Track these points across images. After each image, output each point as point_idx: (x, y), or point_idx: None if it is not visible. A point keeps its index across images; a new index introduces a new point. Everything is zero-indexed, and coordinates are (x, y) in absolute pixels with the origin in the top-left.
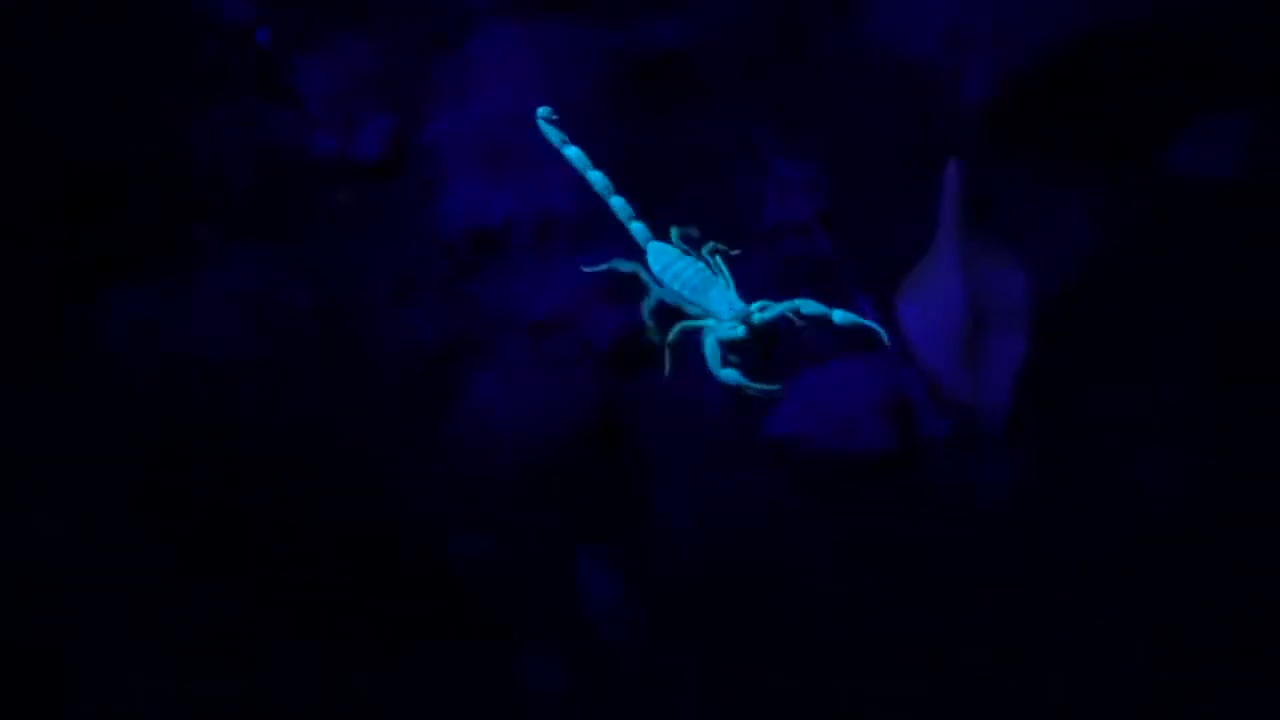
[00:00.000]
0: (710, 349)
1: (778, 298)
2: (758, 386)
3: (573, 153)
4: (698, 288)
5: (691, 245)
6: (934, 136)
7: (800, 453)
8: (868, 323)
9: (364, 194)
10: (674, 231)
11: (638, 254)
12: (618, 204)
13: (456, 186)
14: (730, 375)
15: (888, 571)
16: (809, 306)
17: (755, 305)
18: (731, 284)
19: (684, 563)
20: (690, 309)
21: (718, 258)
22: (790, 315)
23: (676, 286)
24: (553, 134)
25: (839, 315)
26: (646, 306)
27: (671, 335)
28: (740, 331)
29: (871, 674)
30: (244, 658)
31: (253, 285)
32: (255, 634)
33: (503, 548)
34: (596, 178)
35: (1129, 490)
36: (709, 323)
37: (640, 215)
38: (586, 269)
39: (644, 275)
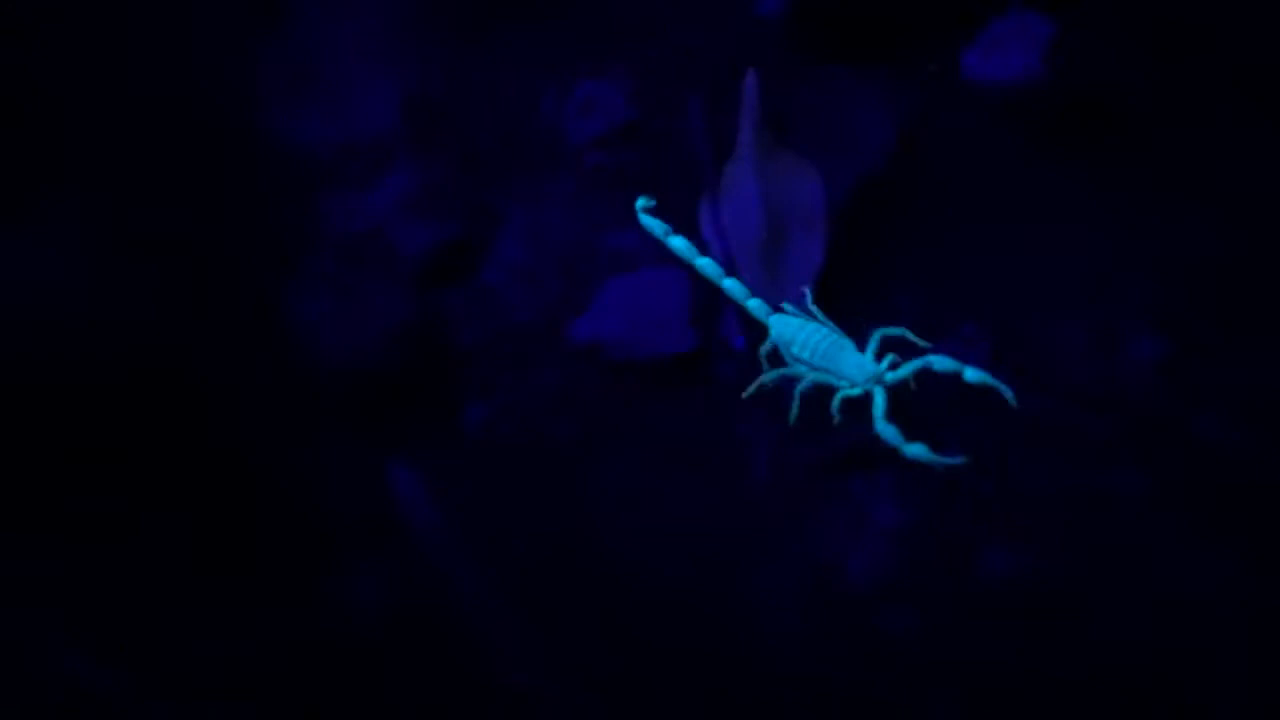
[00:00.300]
0: (887, 431)
1: (905, 352)
2: (943, 460)
3: (679, 243)
4: (828, 354)
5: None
6: (735, 49)
7: (607, 356)
8: (997, 383)
9: None
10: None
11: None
12: (731, 286)
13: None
14: (918, 451)
15: (694, 468)
16: (941, 363)
17: (884, 364)
18: (854, 346)
19: (492, 468)
20: (820, 376)
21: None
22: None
23: (806, 355)
24: (656, 226)
25: (970, 374)
26: (775, 376)
27: (803, 385)
28: (877, 392)
29: (678, 566)
30: (74, 585)
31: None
32: (84, 562)
33: (320, 461)
34: (706, 264)
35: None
36: (842, 383)
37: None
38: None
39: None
